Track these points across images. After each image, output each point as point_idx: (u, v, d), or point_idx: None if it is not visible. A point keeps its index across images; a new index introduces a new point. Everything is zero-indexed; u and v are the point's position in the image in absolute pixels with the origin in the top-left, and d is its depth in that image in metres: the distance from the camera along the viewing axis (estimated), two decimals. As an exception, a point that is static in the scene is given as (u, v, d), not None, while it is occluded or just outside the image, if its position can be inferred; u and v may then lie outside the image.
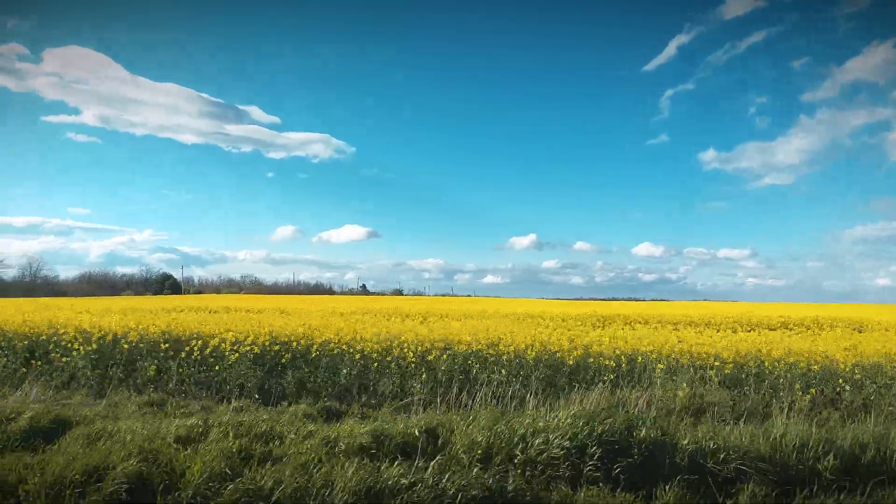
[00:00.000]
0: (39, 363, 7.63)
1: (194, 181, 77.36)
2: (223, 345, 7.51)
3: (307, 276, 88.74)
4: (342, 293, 74.94)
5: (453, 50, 62.41)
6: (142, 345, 7.90)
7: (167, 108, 69.70)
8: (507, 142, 67.89)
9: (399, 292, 78.06)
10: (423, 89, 67.64)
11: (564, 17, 52.10)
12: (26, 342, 8.40)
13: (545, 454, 4.14)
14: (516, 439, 4.29)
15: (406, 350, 7.45)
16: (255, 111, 69.45)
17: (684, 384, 6.56)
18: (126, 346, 7.76)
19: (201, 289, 72.68)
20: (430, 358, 7.39)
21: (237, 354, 7.33)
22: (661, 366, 7.22)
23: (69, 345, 7.78)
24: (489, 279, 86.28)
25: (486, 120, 67.09)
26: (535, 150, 67.12)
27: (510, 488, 3.80)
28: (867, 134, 48.91)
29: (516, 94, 62.56)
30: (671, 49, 52.52)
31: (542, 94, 61.88)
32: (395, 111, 70.07)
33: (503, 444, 4.27)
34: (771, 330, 13.03)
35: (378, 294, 72.64)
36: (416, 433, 4.46)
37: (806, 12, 47.05)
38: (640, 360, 7.40)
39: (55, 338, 8.16)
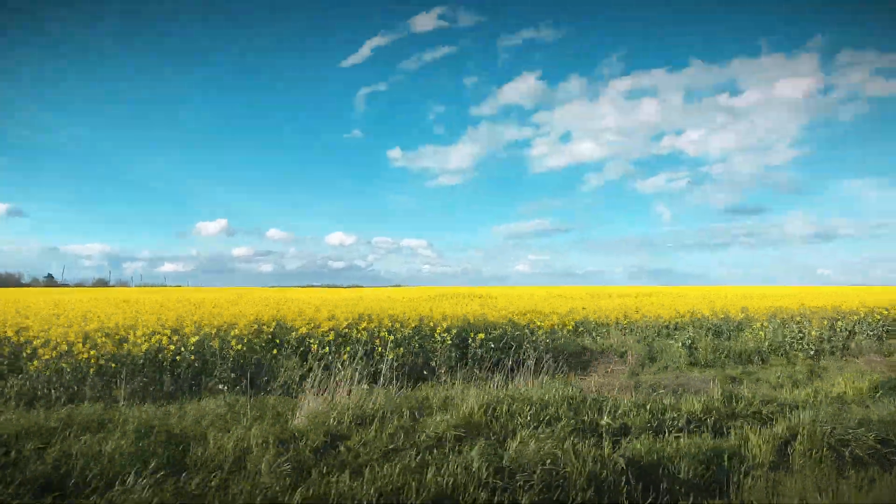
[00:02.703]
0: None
1: None
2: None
3: None
4: (28, 284, 64.21)
5: (149, 22, 56.19)
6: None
7: None
8: (197, 121, 62.01)
9: (104, 282, 69.86)
10: (100, 44, 56.36)
11: (269, 7, 55.63)
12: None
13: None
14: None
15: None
16: None
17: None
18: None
19: None
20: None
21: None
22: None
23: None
24: (168, 267, 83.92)
25: (176, 95, 60.34)
26: (229, 133, 63.98)
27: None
28: (515, 148, 61.80)
29: (211, 73, 59.76)
30: (366, 50, 56.19)
31: (239, 78, 61.48)
32: (53, 63, 55.82)
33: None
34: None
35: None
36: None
37: (476, 39, 57.20)
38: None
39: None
